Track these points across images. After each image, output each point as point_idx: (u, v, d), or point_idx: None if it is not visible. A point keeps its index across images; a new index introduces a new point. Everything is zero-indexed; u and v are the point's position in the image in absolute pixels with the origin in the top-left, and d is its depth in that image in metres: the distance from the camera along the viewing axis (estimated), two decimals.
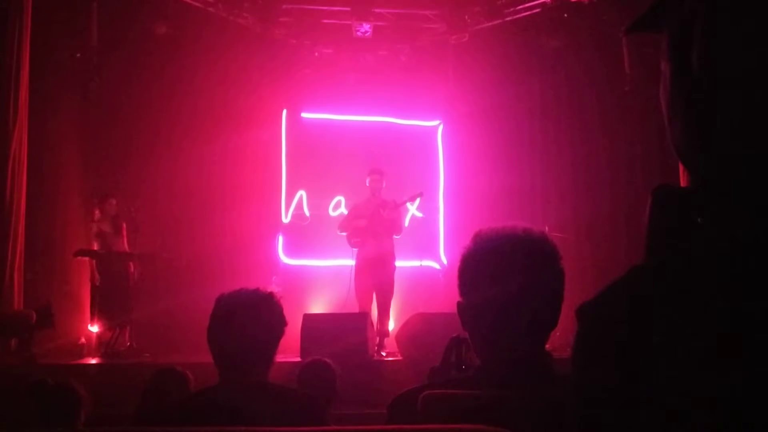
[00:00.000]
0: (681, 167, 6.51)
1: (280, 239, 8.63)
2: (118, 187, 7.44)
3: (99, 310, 6.80)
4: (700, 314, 0.59)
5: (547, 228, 6.79)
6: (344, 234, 7.21)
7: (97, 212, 7.03)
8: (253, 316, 2.04)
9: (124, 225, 7.13)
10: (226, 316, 2.04)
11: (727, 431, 0.56)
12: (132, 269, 7.00)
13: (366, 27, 8.67)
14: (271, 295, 2.12)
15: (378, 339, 6.71)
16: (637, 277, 0.66)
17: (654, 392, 0.58)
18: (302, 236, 8.64)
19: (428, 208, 8.79)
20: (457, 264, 1.38)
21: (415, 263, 7.92)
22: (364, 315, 6.50)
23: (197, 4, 8.20)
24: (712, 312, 0.59)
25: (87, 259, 6.99)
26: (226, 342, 2.04)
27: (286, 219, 8.72)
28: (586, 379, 0.64)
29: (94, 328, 6.94)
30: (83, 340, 6.98)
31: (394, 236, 7.15)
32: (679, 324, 0.59)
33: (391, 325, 7.12)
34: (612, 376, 0.61)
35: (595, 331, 0.65)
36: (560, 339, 6.03)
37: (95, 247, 6.96)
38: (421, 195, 7.45)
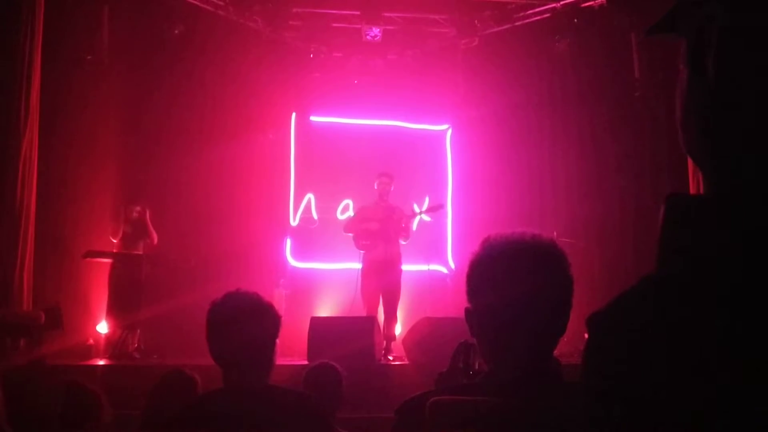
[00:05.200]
0: (690, 173, 6.49)
1: (288, 242, 8.64)
2: (126, 188, 7.49)
3: (113, 311, 6.85)
4: (713, 326, 0.58)
5: (555, 233, 6.78)
6: (350, 235, 7.21)
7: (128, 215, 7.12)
8: (245, 320, 2.06)
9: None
10: (219, 323, 2.07)
11: None
12: (143, 271, 7.03)
13: (375, 31, 8.68)
14: (257, 294, 2.13)
15: (385, 343, 6.70)
16: (648, 287, 0.65)
17: (664, 404, 0.58)
18: (310, 239, 8.65)
19: (438, 212, 8.77)
20: (465, 269, 1.37)
21: (423, 267, 7.91)
22: (371, 319, 6.49)
23: (207, 7, 8.24)
24: (725, 323, 0.58)
25: (97, 260, 7.03)
26: (224, 348, 2.07)
27: (294, 222, 8.73)
28: (595, 389, 0.64)
29: (104, 329, 6.96)
30: (91, 341, 7.01)
31: (402, 241, 7.15)
32: (691, 336, 0.58)
33: (399, 329, 7.12)
34: (621, 388, 0.61)
35: (605, 342, 0.64)
36: (568, 345, 6.01)
37: (116, 248, 7.02)
38: (442, 207, 7.51)
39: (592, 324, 0.66)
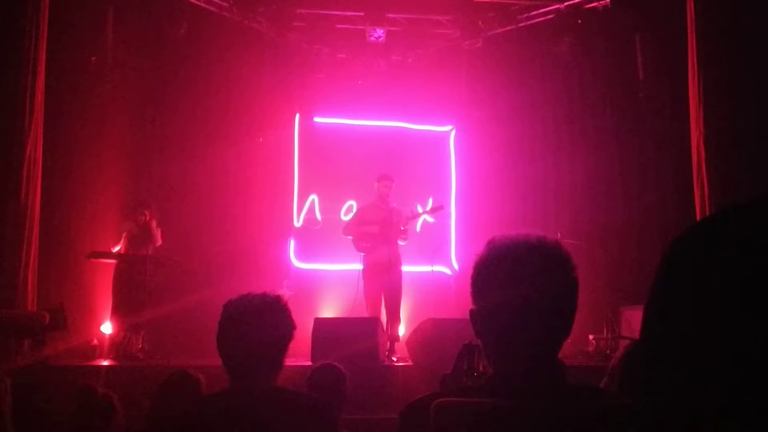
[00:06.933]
0: (694, 173, 6.47)
1: (292, 243, 8.65)
2: (130, 189, 7.51)
3: (118, 311, 6.87)
4: None
5: (559, 234, 6.77)
6: (350, 237, 7.22)
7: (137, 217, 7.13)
8: (260, 321, 2.02)
9: (158, 231, 7.20)
10: (234, 322, 2.03)
11: None
12: (148, 271, 7.05)
13: (379, 32, 8.69)
14: (278, 299, 2.10)
15: (388, 344, 6.70)
16: (749, 212, 0.56)
17: (734, 341, 0.52)
18: (314, 240, 8.66)
19: (440, 213, 8.77)
20: (469, 270, 1.37)
21: (427, 269, 7.91)
22: (375, 320, 6.49)
23: (212, 9, 8.25)
24: None
25: (101, 260, 7.04)
26: (234, 349, 2.03)
27: (297, 223, 8.74)
28: (663, 315, 0.59)
29: (108, 329, 6.98)
30: (95, 341, 7.01)
31: (400, 242, 7.15)
32: None
33: (402, 331, 7.11)
34: (689, 319, 0.55)
35: (681, 269, 0.58)
36: (572, 347, 5.99)
37: (122, 249, 7.02)
38: (441, 208, 7.50)
39: (673, 245, 0.59)
